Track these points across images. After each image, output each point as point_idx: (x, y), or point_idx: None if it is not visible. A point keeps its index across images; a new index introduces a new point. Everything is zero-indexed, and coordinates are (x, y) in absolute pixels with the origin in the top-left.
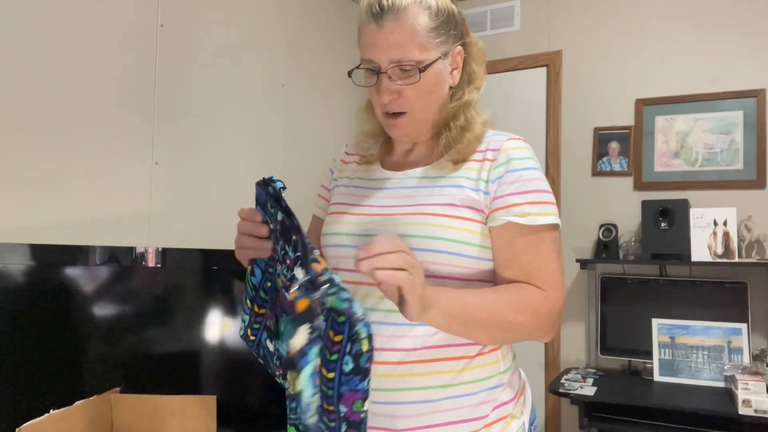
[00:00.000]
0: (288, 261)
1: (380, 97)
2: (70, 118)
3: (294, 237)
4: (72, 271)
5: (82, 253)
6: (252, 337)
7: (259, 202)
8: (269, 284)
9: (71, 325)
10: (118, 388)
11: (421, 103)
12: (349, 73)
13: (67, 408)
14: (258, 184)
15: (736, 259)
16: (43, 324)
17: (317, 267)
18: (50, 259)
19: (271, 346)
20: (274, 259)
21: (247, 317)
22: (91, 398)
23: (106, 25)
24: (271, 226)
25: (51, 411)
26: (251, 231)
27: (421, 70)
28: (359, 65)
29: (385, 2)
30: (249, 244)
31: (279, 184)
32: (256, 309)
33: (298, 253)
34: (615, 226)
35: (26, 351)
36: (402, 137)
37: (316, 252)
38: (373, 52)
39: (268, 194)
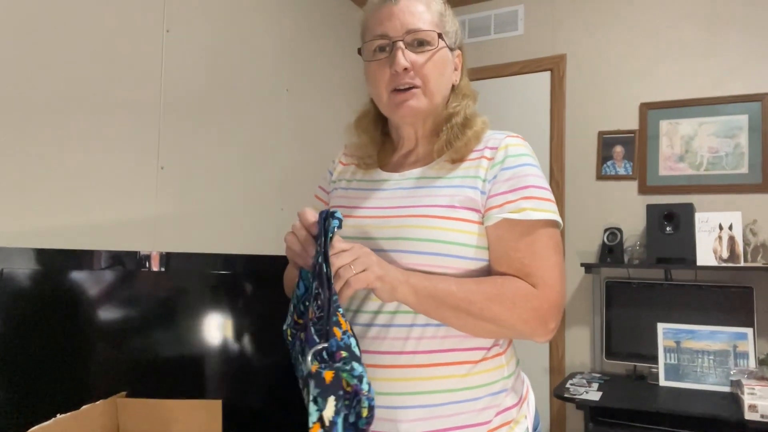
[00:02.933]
0: (319, 301)
1: (393, 68)
2: (75, 122)
3: (321, 290)
4: (77, 276)
5: (87, 257)
6: (289, 338)
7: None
8: (307, 304)
9: (77, 329)
10: (124, 393)
11: (433, 78)
12: (359, 51)
13: (73, 412)
14: (320, 213)
15: (742, 264)
16: (49, 328)
17: (338, 333)
18: (55, 263)
19: (298, 347)
20: (316, 277)
21: (289, 318)
22: (98, 402)
23: (112, 30)
24: (318, 250)
25: (58, 415)
26: (302, 240)
27: (440, 36)
28: (368, 46)
29: None
30: (296, 249)
31: (335, 223)
32: (296, 317)
33: (322, 313)
34: (620, 230)
35: (32, 355)
36: (409, 117)
37: (340, 311)
38: (387, 25)
39: (323, 228)
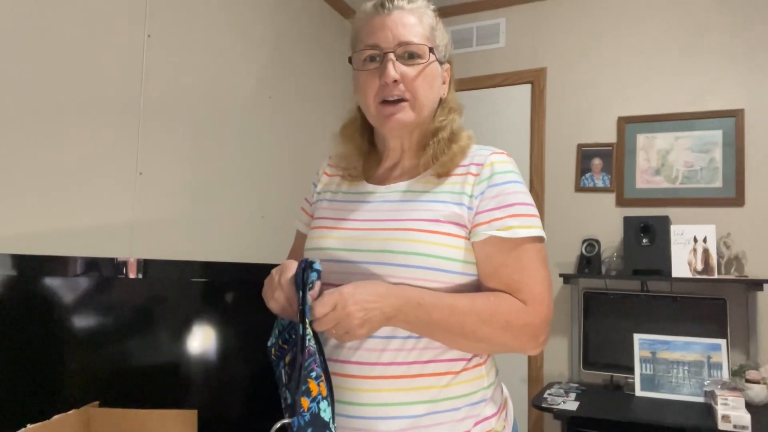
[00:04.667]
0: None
1: (383, 79)
2: (53, 125)
3: (297, 352)
4: (51, 282)
5: (62, 263)
6: (273, 357)
7: (296, 279)
8: (293, 337)
9: (49, 337)
10: (97, 402)
11: (422, 92)
12: (350, 59)
13: (44, 422)
14: (300, 263)
15: (716, 276)
16: (20, 336)
17: (305, 403)
18: (29, 269)
19: (284, 377)
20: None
21: (273, 339)
22: (70, 412)
23: (94, 34)
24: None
25: (28, 425)
26: (282, 301)
27: (431, 50)
28: (359, 56)
29: (396, 0)
30: (280, 301)
31: (313, 276)
32: (280, 342)
33: (295, 374)
34: (597, 241)
35: (2, 363)
36: (397, 129)
37: (312, 376)
38: (379, 35)
39: (302, 280)
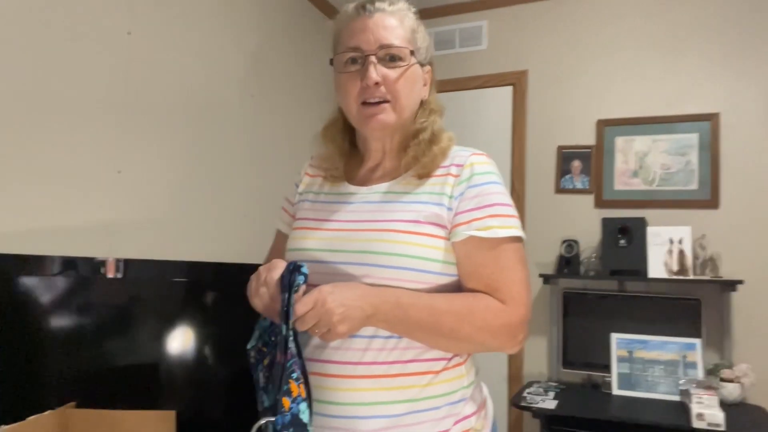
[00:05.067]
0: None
1: (364, 82)
2: (30, 123)
3: (279, 352)
4: (29, 281)
5: (39, 262)
6: (252, 360)
7: (283, 280)
8: (273, 339)
9: (26, 336)
10: (73, 403)
11: (403, 94)
12: (331, 61)
13: (19, 423)
14: (288, 265)
15: (691, 276)
16: None
17: (287, 403)
18: (5, 268)
19: (262, 380)
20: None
21: (253, 341)
22: (45, 413)
23: (73, 30)
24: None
25: (2, 427)
26: (266, 299)
27: (412, 53)
28: (340, 58)
29: (377, 2)
30: (264, 299)
31: (300, 279)
32: (260, 345)
33: (277, 374)
34: (576, 242)
35: None
36: (378, 130)
37: (293, 377)
38: (361, 38)
39: (288, 282)
